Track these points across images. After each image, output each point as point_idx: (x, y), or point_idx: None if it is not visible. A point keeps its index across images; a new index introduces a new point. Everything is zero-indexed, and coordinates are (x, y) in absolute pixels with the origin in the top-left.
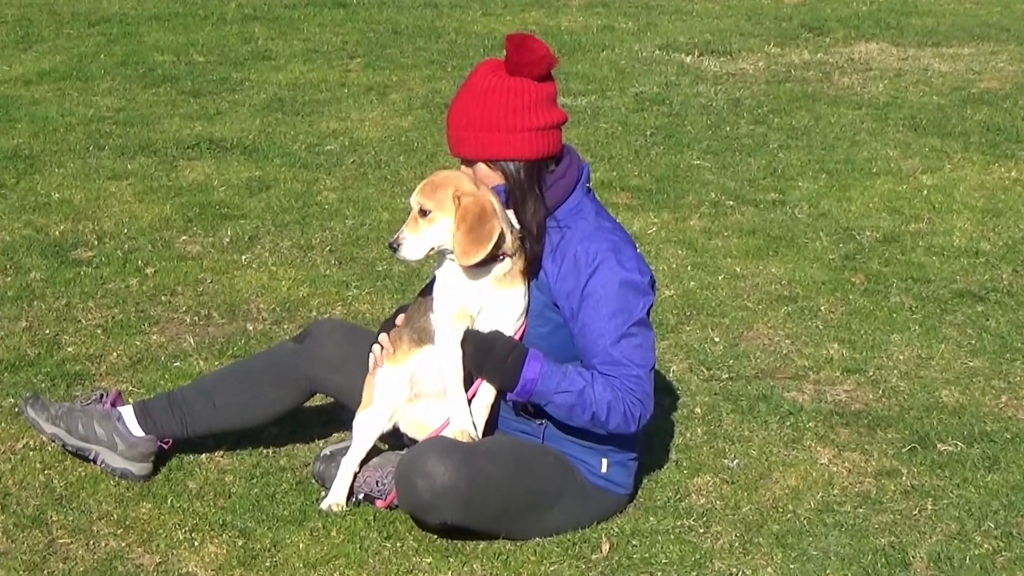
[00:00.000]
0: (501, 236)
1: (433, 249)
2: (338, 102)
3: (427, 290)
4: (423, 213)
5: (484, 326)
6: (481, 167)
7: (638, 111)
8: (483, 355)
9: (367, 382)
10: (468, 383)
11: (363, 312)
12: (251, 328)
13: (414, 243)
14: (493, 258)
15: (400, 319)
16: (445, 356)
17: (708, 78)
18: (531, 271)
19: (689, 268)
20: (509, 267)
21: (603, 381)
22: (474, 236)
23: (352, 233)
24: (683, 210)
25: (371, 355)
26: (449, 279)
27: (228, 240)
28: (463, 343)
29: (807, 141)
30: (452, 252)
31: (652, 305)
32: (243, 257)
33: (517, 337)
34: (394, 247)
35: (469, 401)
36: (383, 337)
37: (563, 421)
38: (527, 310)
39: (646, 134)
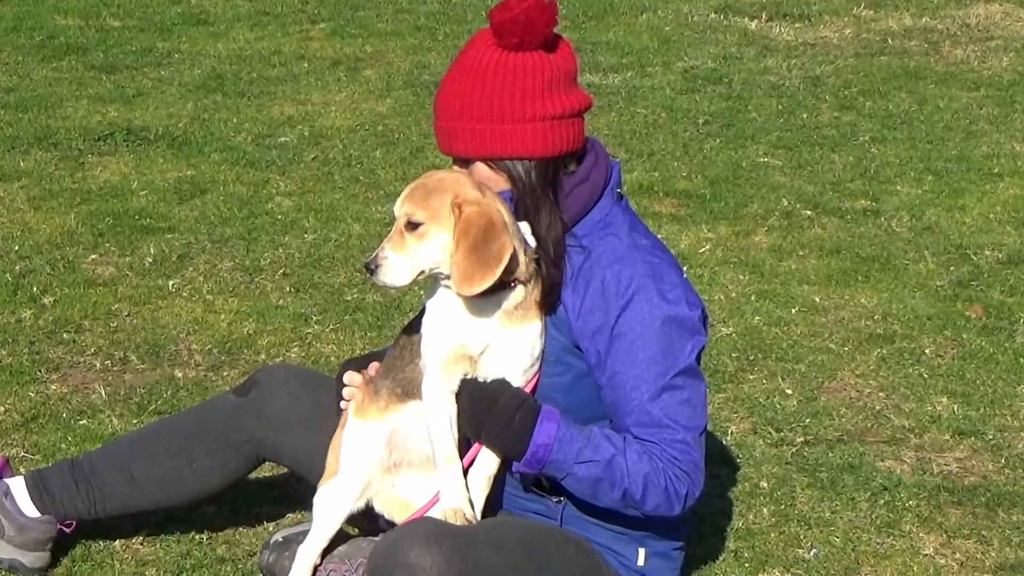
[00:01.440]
0: (513, 258)
1: (422, 273)
2: (295, 80)
3: (412, 328)
4: (411, 226)
5: (487, 374)
6: (480, 168)
7: (687, 92)
8: (483, 412)
9: (332, 446)
10: (464, 448)
11: (326, 355)
12: (180, 376)
13: (398, 265)
14: (502, 285)
15: (374, 367)
16: (434, 413)
17: (779, 49)
18: (548, 303)
19: (753, 298)
20: (522, 297)
21: (638, 448)
22: (479, 257)
23: (312, 251)
24: (746, 222)
25: (342, 408)
26: (443, 312)
27: (151, 260)
28: (458, 396)
29: (908, 132)
30: (448, 277)
31: (703, 347)
32: (170, 283)
33: (528, 389)
34: (371, 269)
35: (465, 472)
36: (349, 377)
37: (586, 500)
38: (542, 354)
39: (698, 122)
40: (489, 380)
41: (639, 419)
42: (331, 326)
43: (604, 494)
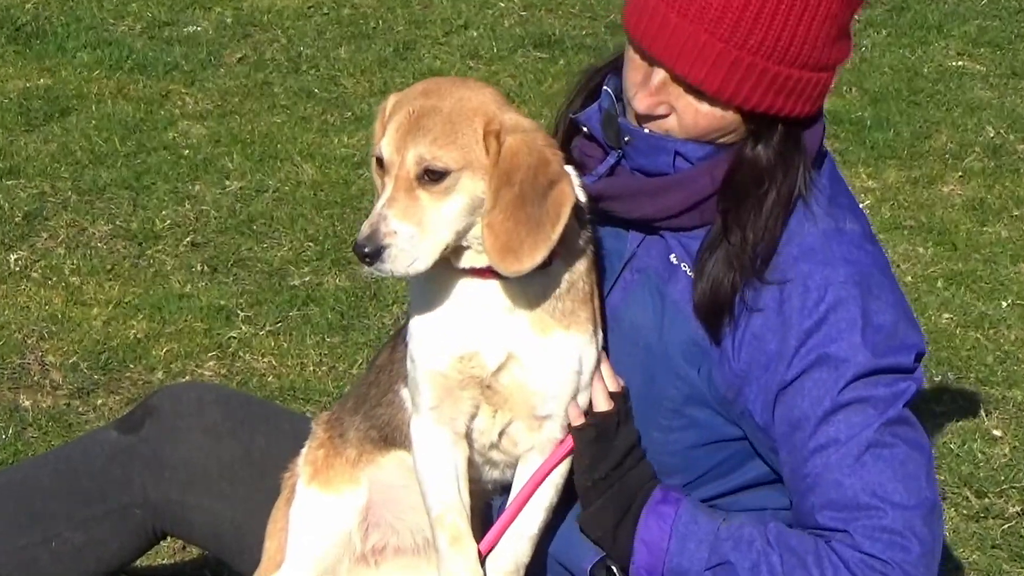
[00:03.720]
0: (573, 217)
1: (447, 248)
2: None
3: (398, 339)
4: (431, 177)
5: (507, 408)
6: (694, 110)
7: None
8: (601, 473)
9: (272, 524)
10: (481, 527)
11: (260, 371)
12: (27, 404)
13: (415, 240)
14: (540, 264)
15: (330, 414)
16: (429, 469)
17: None
18: (598, 310)
19: (940, 284)
20: (569, 285)
21: (829, 552)
22: (527, 213)
23: (239, 208)
24: (928, 163)
25: (292, 470)
26: (437, 310)
27: None
28: (575, 437)
29: None
30: (475, 246)
31: (918, 392)
32: (12, 257)
33: (563, 453)
34: (369, 255)
35: (483, 559)
36: (316, 432)
37: None
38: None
39: None
40: (512, 421)
41: (827, 497)
42: (268, 326)
43: None
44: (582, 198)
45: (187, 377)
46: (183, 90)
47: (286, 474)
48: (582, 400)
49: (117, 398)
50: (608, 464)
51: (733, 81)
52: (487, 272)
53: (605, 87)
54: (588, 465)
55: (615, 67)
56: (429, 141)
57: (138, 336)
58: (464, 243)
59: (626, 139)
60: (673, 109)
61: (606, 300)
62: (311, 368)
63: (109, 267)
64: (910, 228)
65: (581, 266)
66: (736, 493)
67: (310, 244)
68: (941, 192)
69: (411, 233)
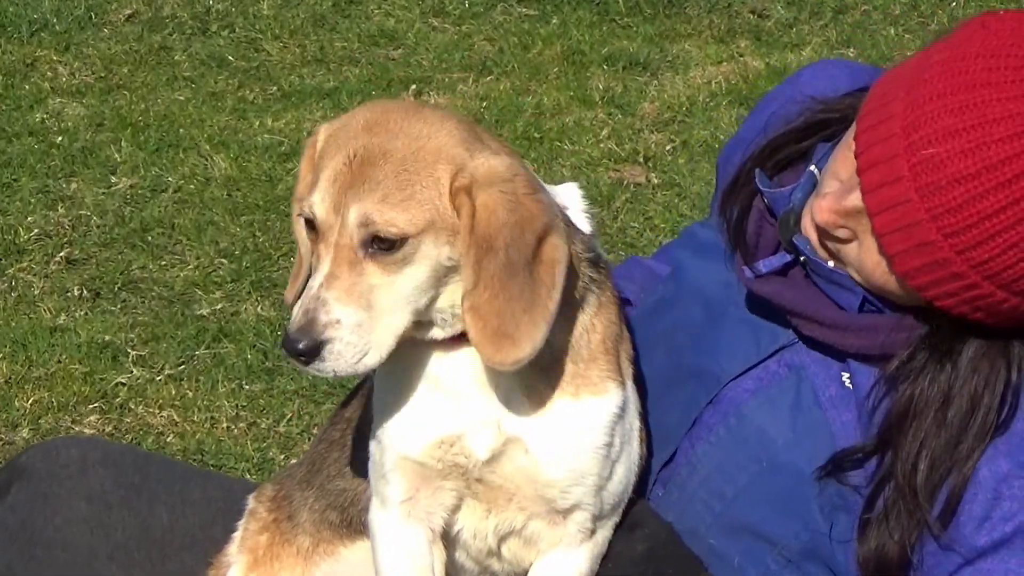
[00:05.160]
0: (570, 276)
1: (405, 331)
2: None
3: (358, 400)
4: (380, 245)
5: (505, 512)
6: (876, 260)
7: None
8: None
9: None
10: None
11: (157, 427)
12: None
13: (367, 329)
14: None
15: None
16: (387, 569)
17: None
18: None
19: None
20: (566, 347)
21: None
22: (521, 284)
23: (128, 212)
24: None
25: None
26: (412, 381)
27: None
28: (631, 537)
29: None
30: (440, 321)
31: None
32: None
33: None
34: (304, 351)
35: None
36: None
37: None
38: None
39: None
40: (519, 524)
41: None
42: (167, 369)
43: None
44: (583, 228)
45: (61, 435)
46: (54, 57)
47: (212, 569)
48: (620, 473)
49: None
50: None
51: (927, 275)
52: (459, 339)
53: (813, 166)
54: None
55: (837, 126)
56: (378, 199)
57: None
58: (425, 318)
59: (802, 258)
60: (855, 237)
61: (734, 384)
62: (224, 424)
63: None
64: None
65: (584, 317)
66: None
67: (223, 261)
68: None
69: (358, 321)
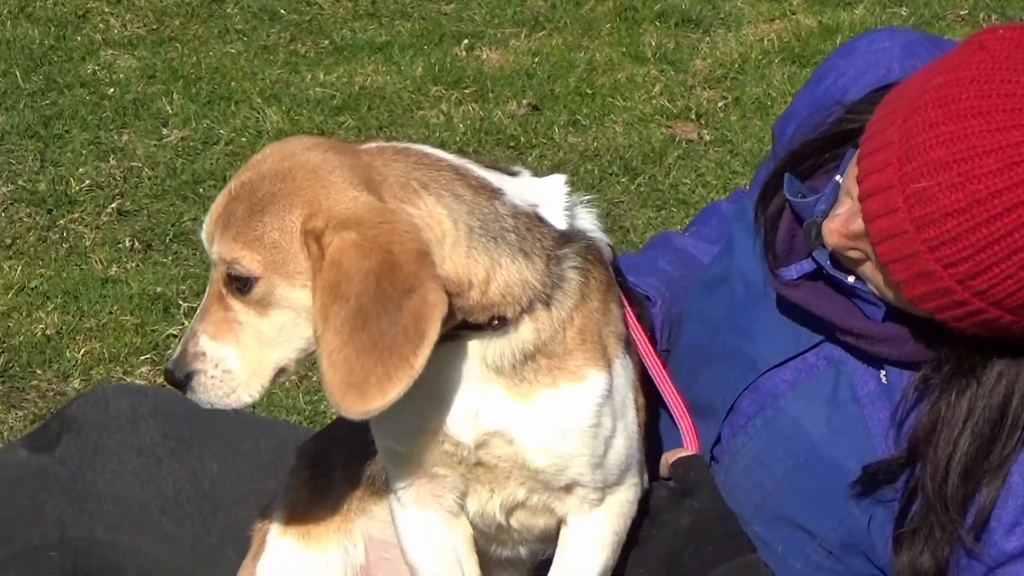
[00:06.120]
0: (542, 239)
1: (283, 373)
2: None
3: None
4: (237, 283)
5: (504, 493)
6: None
7: None
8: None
9: None
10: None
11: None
12: None
13: (235, 366)
14: (475, 326)
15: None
16: (418, 558)
17: None
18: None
19: None
20: (536, 339)
21: None
22: (374, 335)
23: (180, 164)
24: None
25: (259, 526)
26: None
27: None
28: (671, 510)
29: None
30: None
31: None
32: None
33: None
34: (178, 381)
35: None
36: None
37: None
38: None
39: None
40: (522, 499)
41: None
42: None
43: None
44: (560, 225)
45: (114, 379)
46: (106, 9)
47: (258, 522)
48: (619, 446)
49: (20, 414)
50: (655, 556)
51: (933, 301)
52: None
53: (839, 176)
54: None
55: (859, 136)
56: (231, 237)
57: (47, 333)
58: None
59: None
60: (868, 258)
61: (772, 373)
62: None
63: (8, 241)
64: None
65: (557, 313)
66: None
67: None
68: None
69: (223, 357)
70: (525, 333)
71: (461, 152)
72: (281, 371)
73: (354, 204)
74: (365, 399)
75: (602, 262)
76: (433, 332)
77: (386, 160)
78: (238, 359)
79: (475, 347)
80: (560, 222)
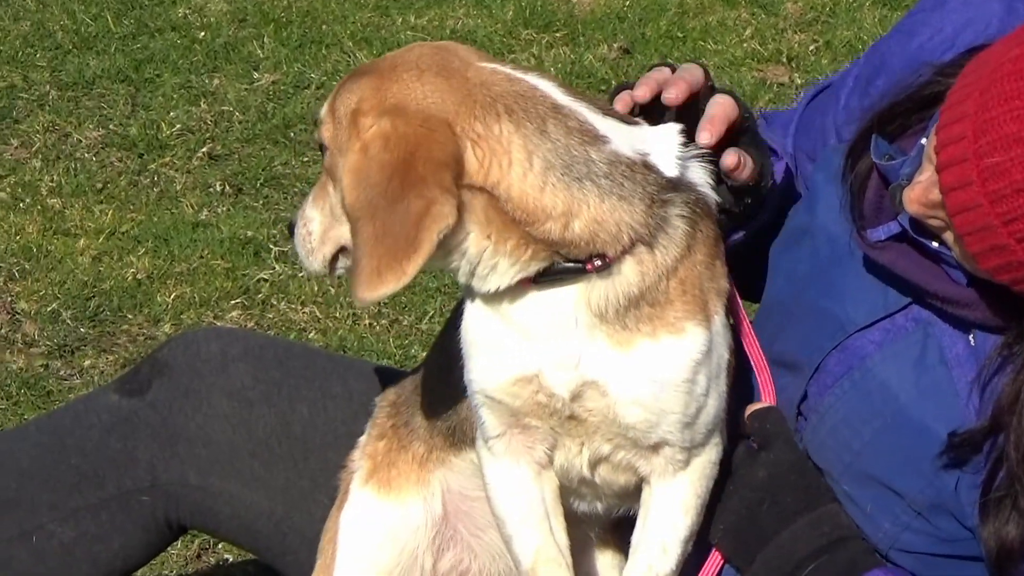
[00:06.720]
0: (646, 185)
1: (344, 251)
2: None
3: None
4: (321, 150)
5: (595, 442)
6: None
7: None
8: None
9: (325, 533)
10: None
11: (299, 323)
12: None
13: (315, 232)
14: (574, 266)
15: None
16: (505, 509)
17: None
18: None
19: None
20: (640, 284)
21: None
22: (378, 229)
23: (271, 108)
24: None
25: (349, 467)
26: (491, 319)
27: None
28: (748, 462)
29: None
30: (485, 273)
31: None
32: None
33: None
34: (289, 225)
35: None
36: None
37: None
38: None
39: None
40: (608, 453)
41: None
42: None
43: None
44: (671, 172)
45: (206, 322)
46: None
47: (343, 472)
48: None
49: (110, 358)
50: (733, 511)
51: (1009, 273)
52: (529, 281)
53: (924, 139)
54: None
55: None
56: (326, 104)
57: (138, 277)
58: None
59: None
60: (948, 227)
61: (859, 334)
62: (367, 321)
63: (99, 186)
64: None
65: (661, 258)
66: None
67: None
68: None
69: (311, 218)
70: (629, 275)
71: (583, 93)
72: (343, 250)
73: (403, 100)
74: (357, 286)
75: (711, 215)
76: (428, 243)
77: (487, 81)
78: (319, 224)
79: (579, 291)
80: (671, 170)
